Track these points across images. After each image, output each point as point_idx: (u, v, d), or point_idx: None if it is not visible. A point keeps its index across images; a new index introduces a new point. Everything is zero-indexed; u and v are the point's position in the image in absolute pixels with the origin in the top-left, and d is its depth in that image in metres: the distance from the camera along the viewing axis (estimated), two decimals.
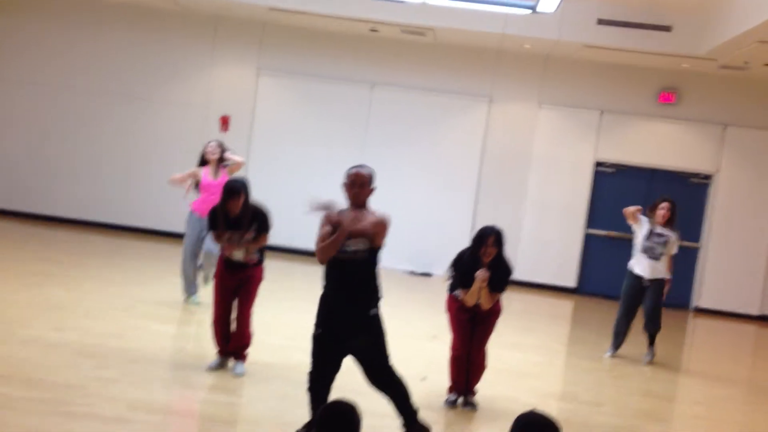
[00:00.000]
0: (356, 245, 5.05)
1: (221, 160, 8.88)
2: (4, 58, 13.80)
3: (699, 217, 13.16)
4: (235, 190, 6.43)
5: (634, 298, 8.73)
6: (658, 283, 8.60)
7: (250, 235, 6.45)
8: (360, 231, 5.03)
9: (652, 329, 8.71)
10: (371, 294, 5.17)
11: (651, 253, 8.54)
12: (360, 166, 5.25)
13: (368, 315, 5.13)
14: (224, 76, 13.70)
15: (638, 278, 8.65)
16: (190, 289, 8.89)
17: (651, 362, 8.63)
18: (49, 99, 13.75)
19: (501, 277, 6.24)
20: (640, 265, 8.63)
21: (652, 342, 8.75)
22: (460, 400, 6.44)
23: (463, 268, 6.28)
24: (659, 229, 8.57)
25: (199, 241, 8.78)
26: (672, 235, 8.58)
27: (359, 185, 5.15)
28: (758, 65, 11.76)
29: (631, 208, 8.61)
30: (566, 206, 13.43)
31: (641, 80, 13.27)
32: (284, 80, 13.64)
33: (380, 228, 5.10)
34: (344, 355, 5.19)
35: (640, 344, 9.34)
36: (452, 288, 6.49)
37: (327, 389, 5.14)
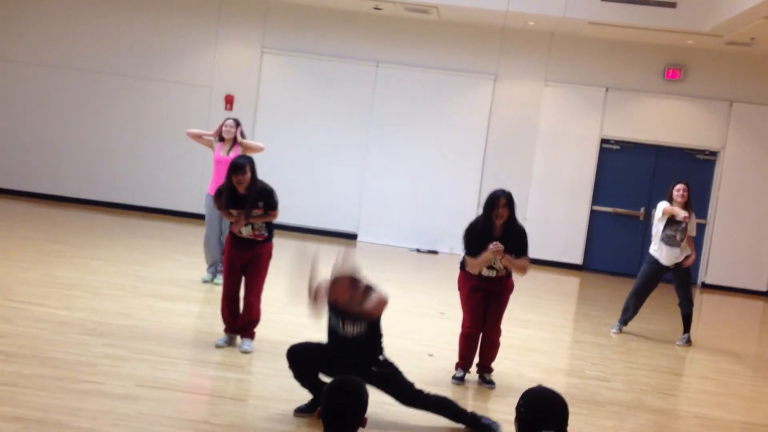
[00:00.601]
0: (355, 329, 5.05)
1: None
2: (9, 39, 13.79)
3: (705, 193, 13.13)
4: (241, 165, 6.41)
5: (650, 281, 8.73)
6: (680, 265, 8.58)
7: (259, 211, 6.46)
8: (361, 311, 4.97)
9: (687, 309, 8.65)
10: (373, 358, 5.17)
11: (672, 241, 8.46)
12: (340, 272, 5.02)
13: (371, 371, 5.11)
14: (228, 55, 13.67)
15: (660, 265, 8.61)
16: (216, 269, 8.95)
17: (683, 346, 8.62)
18: (55, 79, 13.75)
19: (520, 241, 6.25)
20: (661, 254, 8.56)
21: (687, 327, 8.71)
22: (477, 377, 6.46)
23: (476, 234, 6.27)
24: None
25: (219, 222, 8.77)
26: (689, 221, 8.47)
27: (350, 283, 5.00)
28: (764, 41, 11.69)
29: (676, 211, 8.48)
30: (572, 183, 13.41)
31: (647, 57, 13.21)
32: (288, 59, 13.60)
33: (380, 308, 5.04)
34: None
35: (645, 320, 9.37)
36: (464, 265, 6.46)
37: (315, 373, 5.21)
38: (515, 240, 6.24)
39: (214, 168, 8.80)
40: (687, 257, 8.60)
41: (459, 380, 6.40)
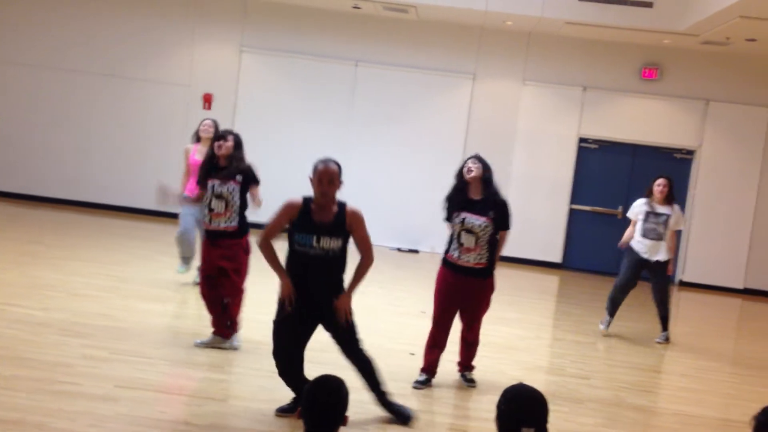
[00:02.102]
0: (330, 243, 5.01)
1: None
2: None
3: (682, 191, 13.22)
4: (223, 134, 6.46)
5: (632, 273, 8.63)
6: (661, 264, 8.54)
7: (234, 183, 6.41)
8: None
9: (663, 311, 8.64)
10: (339, 283, 5.18)
11: (653, 234, 8.45)
12: (327, 160, 5.15)
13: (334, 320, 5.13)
14: (206, 54, 13.62)
15: (639, 257, 8.54)
16: (188, 262, 8.88)
17: (662, 343, 8.60)
18: (33, 79, 13.65)
19: (501, 213, 6.14)
20: (642, 247, 8.52)
21: (665, 326, 8.70)
22: (458, 376, 6.44)
23: (452, 199, 6.22)
24: (658, 209, 8.47)
25: (194, 219, 8.63)
26: (672, 213, 8.49)
27: (328, 182, 5.06)
28: (740, 40, 11.80)
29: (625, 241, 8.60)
30: (551, 182, 13.47)
31: (624, 56, 13.29)
32: (267, 58, 13.57)
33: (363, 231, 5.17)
34: (311, 334, 5.22)
35: (624, 318, 9.40)
36: (445, 259, 6.27)
37: (300, 369, 5.18)
38: (496, 211, 6.09)
39: (192, 171, 8.64)
40: (668, 263, 8.62)
41: (420, 384, 6.22)
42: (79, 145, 13.67)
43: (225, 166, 6.46)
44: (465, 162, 6.26)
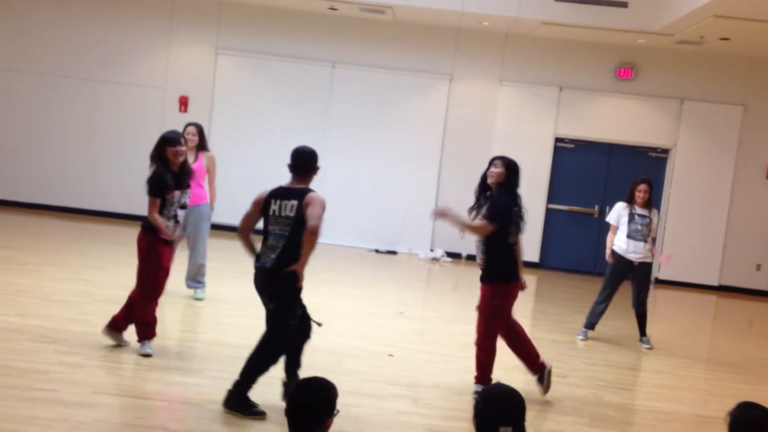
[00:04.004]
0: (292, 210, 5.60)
1: (201, 147, 8.31)
2: None
3: (658, 190, 13.28)
4: (176, 138, 6.32)
5: (618, 279, 8.60)
6: (644, 265, 8.52)
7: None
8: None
9: (640, 310, 8.58)
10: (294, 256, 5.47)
11: (638, 235, 8.42)
12: (303, 146, 5.79)
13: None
14: (182, 56, 13.54)
15: (624, 260, 8.50)
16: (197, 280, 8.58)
17: (651, 349, 8.51)
18: (6, 83, 13.50)
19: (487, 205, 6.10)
20: (626, 248, 8.47)
21: (643, 329, 8.63)
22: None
23: (478, 195, 6.31)
24: (639, 210, 8.46)
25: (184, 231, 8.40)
26: (653, 217, 8.49)
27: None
28: (713, 39, 11.90)
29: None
30: (528, 182, 13.32)
31: (599, 56, 13.37)
32: (243, 60, 13.52)
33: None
34: None
35: (602, 316, 9.45)
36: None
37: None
38: (487, 207, 6.09)
39: None
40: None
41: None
42: (53, 149, 13.54)
43: (178, 172, 6.32)
44: (491, 161, 6.29)
